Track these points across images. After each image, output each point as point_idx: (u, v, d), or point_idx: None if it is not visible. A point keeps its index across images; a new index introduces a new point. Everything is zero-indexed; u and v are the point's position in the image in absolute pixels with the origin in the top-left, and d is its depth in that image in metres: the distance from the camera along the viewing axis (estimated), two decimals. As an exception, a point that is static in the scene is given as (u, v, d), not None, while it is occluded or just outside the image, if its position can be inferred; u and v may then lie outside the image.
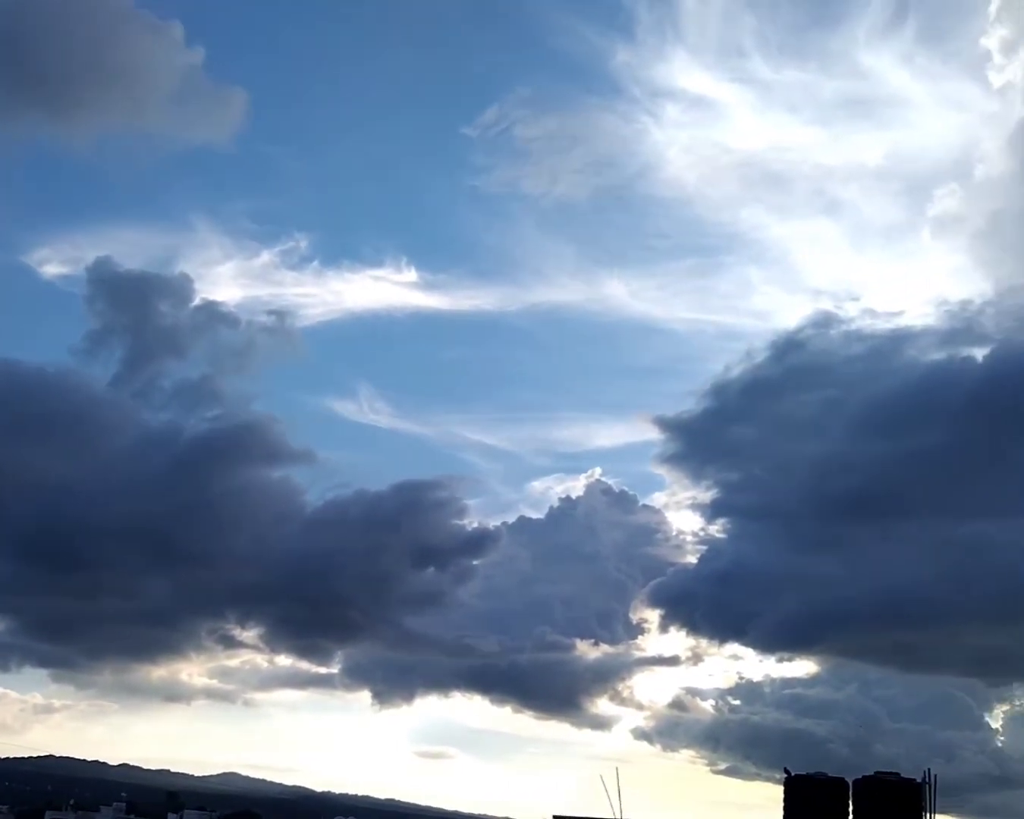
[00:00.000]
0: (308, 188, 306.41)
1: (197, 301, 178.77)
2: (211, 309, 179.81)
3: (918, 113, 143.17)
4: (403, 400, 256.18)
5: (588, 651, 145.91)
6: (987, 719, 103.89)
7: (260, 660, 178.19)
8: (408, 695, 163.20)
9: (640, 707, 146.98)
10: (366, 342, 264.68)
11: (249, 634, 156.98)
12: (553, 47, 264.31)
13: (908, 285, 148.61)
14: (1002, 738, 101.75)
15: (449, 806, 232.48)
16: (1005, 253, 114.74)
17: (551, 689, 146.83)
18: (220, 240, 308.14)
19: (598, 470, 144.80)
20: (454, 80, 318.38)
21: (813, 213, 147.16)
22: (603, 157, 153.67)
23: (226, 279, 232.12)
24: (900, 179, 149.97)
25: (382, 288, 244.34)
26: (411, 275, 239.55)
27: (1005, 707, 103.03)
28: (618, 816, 57.59)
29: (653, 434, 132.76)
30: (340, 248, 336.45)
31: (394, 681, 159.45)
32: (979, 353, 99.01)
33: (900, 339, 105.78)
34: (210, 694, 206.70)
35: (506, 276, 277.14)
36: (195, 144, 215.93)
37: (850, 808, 51.41)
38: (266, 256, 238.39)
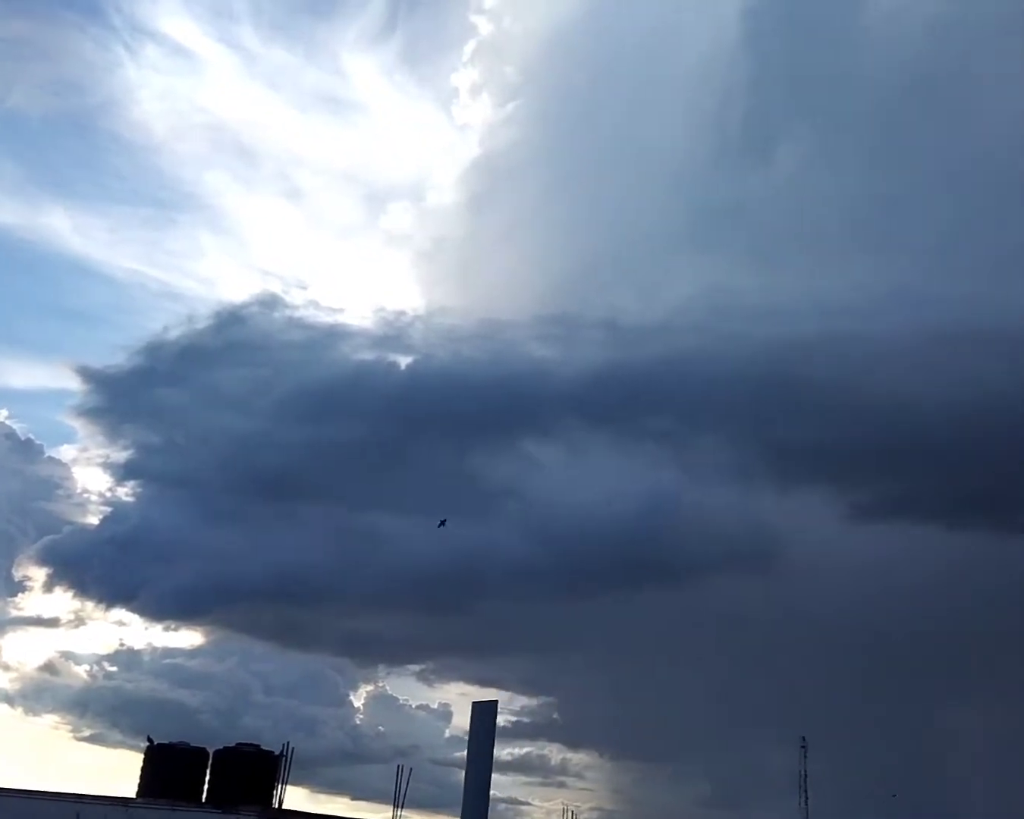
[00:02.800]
0: None
1: None
2: None
3: (387, 128, 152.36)
4: None
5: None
6: (351, 698, 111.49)
7: None
8: None
9: (7, 668, 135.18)
10: None
11: None
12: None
13: (353, 286, 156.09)
14: (361, 716, 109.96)
15: None
16: (441, 276, 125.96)
17: None
18: None
19: (4, 412, 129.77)
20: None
21: (276, 195, 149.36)
22: (68, 79, 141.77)
23: None
24: (362, 185, 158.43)
25: None
26: None
27: (369, 687, 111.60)
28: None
29: (74, 383, 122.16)
30: None
31: None
32: (403, 361, 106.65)
33: (337, 335, 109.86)
34: None
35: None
36: None
37: (207, 777, 51.83)
38: None
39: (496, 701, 18.07)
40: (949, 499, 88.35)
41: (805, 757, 72.95)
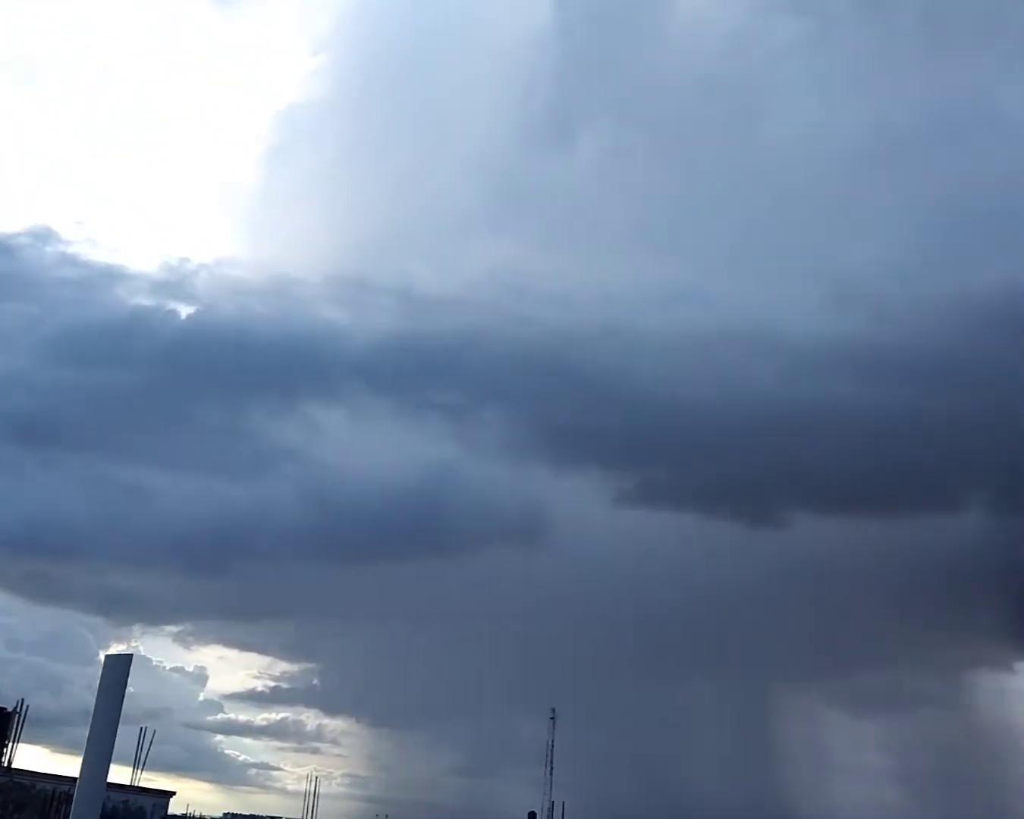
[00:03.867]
0: None
1: None
2: None
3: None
4: None
5: None
6: (101, 657, 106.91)
7: None
8: None
9: None
10: None
11: None
12: None
13: (135, 226, 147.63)
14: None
15: None
16: (232, 226, 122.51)
17: None
18: None
19: None
20: None
21: (57, 123, 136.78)
22: None
23: None
24: (155, 124, 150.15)
25: None
26: None
27: (121, 647, 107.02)
28: None
29: None
30: None
31: None
32: (185, 310, 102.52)
33: (114, 276, 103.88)
34: None
35: None
36: None
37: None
38: None
39: (131, 655, 17.33)
40: (707, 490, 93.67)
41: (554, 728, 75.70)
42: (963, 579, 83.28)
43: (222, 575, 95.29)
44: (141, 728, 54.14)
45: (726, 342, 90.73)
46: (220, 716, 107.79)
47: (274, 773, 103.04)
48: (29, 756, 52.66)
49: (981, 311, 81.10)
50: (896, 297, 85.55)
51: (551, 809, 71.94)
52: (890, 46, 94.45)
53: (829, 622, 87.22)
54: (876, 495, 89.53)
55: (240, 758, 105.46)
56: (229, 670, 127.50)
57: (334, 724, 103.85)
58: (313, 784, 66.68)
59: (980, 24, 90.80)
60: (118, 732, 17.09)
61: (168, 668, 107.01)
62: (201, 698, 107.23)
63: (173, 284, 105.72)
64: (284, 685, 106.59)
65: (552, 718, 75.70)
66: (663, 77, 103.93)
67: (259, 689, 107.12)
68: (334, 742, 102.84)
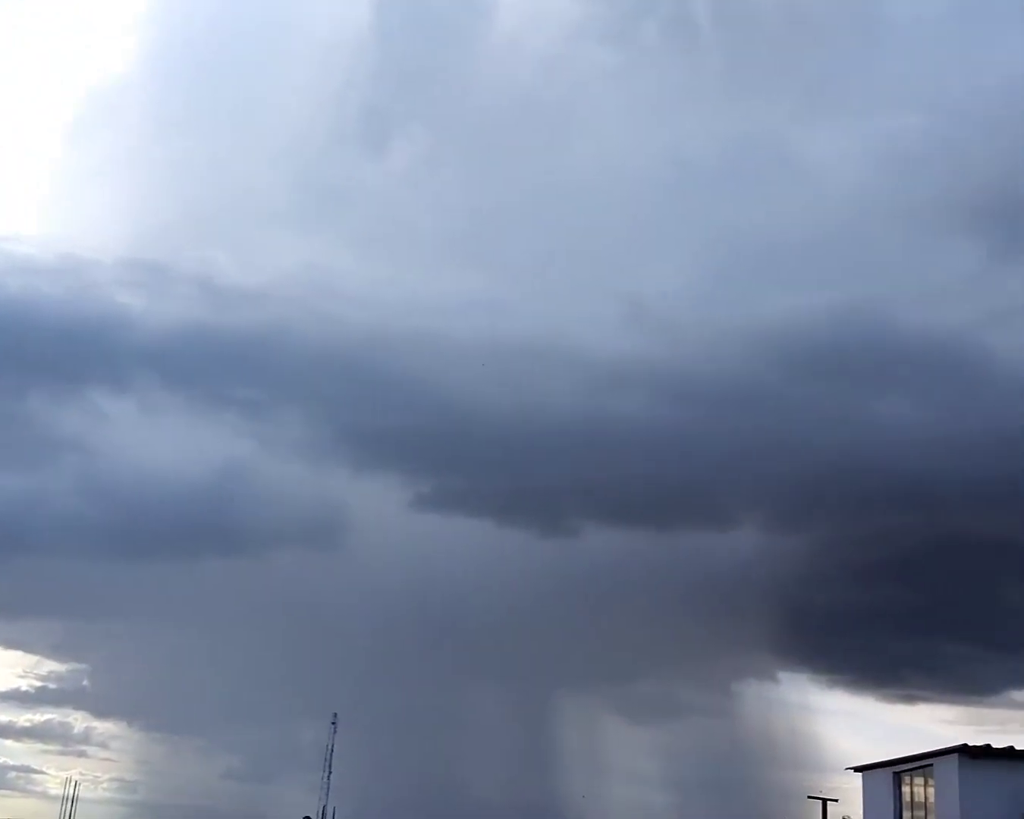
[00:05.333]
0: None
1: None
2: None
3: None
4: None
5: None
6: None
7: None
8: None
9: None
10: None
11: None
12: None
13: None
14: None
15: None
16: (22, 201, 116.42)
17: None
18: None
19: None
20: None
21: None
22: None
23: None
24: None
25: None
26: None
27: None
28: None
29: None
30: None
31: None
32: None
33: None
34: None
35: None
36: None
37: None
38: None
39: None
40: (501, 497, 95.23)
41: (335, 733, 74.86)
42: (734, 593, 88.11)
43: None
44: None
45: (526, 354, 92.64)
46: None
47: (36, 776, 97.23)
48: None
49: (764, 341, 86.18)
50: (688, 322, 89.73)
51: (322, 813, 71.16)
52: (694, 82, 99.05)
53: (612, 630, 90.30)
54: (661, 510, 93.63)
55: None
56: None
57: (104, 727, 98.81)
58: (72, 788, 63.33)
59: (778, 68, 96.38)
60: None
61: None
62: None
63: None
64: (51, 685, 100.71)
65: (334, 723, 74.88)
66: (478, 92, 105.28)
67: (23, 689, 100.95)
68: (103, 745, 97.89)
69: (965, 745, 31.20)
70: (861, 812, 37.31)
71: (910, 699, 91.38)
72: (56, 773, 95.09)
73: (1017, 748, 31.63)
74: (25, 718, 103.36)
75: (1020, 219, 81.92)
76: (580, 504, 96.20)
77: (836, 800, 40.15)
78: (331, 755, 73.50)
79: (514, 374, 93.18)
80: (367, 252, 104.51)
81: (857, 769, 37.47)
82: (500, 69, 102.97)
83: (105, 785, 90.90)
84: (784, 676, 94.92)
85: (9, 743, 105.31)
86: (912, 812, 33.82)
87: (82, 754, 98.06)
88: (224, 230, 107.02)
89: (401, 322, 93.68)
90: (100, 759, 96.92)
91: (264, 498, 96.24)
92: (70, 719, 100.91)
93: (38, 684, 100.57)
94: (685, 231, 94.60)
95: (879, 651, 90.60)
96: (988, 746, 31.36)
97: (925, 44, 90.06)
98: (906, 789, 34.33)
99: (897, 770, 34.72)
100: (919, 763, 33.37)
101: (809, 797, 41.27)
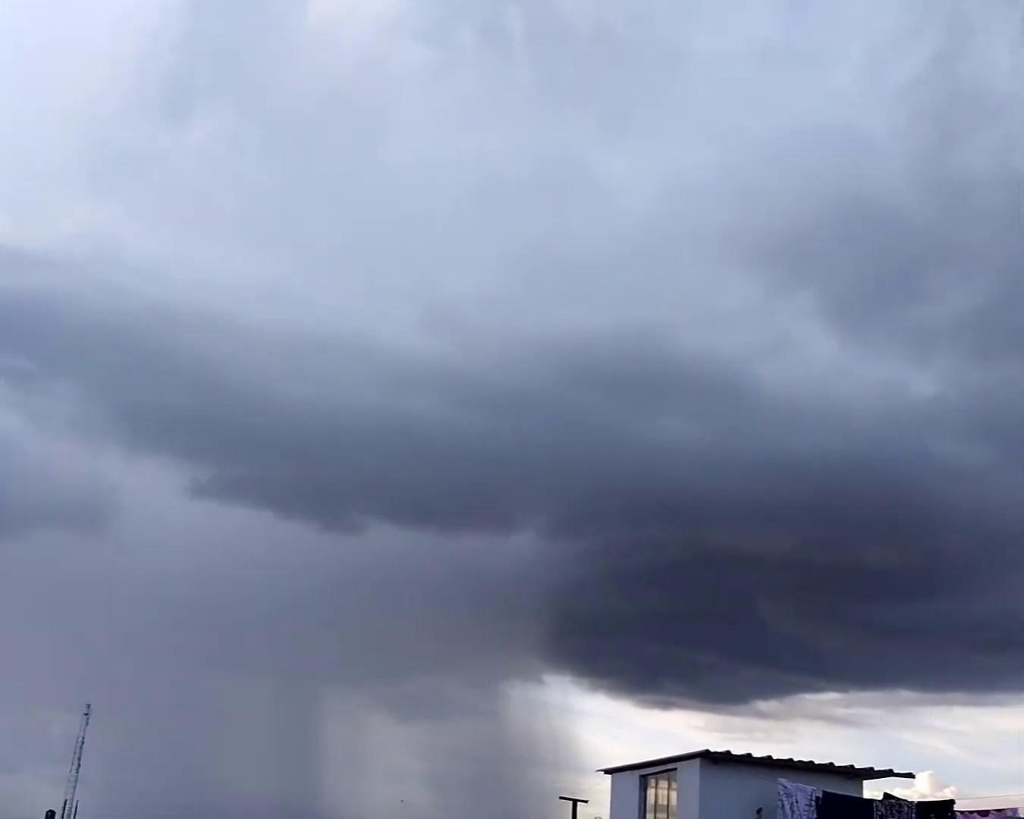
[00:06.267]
0: None
1: None
2: None
3: None
4: None
5: None
6: None
7: None
8: None
9: None
10: None
11: None
12: None
13: None
14: None
15: None
16: None
17: None
18: None
19: None
20: None
21: None
22: None
23: None
24: None
25: None
26: None
27: None
28: None
29: None
30: None
31: None
32: None
33: None
34: None
35: None
36: None
37: None
38: None
39: None
40: (285, 489, 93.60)
41: (87, 724, 71.35)
42: (510, 596, 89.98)
43: None
44: None
45: (321, 346, 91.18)
46: None
47: None
48: None
49: (555, 353, 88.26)
50: (484, 328, 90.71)
51: (65, 806, 67.61)
52: (506, 91, 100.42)
53: (386, 629, 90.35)
54: (446, 511, 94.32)
55: None
56: None
57: None
58: None
59: (585, 87, 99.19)
60: None
61: None
62: None
63: None
64: None
65: (86, 714, 71.30)
66: (289, 76, 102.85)
67: None
68: None
69: (707, 750, 32.72)
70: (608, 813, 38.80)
71: (666, 705, 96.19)
72: None
73: (755, 755, 33.47)
74: None
75: (797, 259, 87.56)
76: (366, 501, 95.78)
77: (586, 801, 41.57)
78: (81, 747, 70.00)
79: (306, 365, 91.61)
80: (159, 224, 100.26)
81: (607, 771, 38.98)
82: (314, 55, 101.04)
83: None
84: (550, 678, 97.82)
85: None
86: (655, 814, 35.48)
87: None
88: (4, 191, 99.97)
89: (191, 300, 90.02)
90: None
91: (30, 475, 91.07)
92: None
93: None
94: (488, 239, 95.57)
95: (639, 657, 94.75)
96: (728, 752, 33.02)
97: (726, 82, 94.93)
98: (651, 791, 35.97)
99: (644, 773, 36.33)
100: (664, 767, 35.03)
101: (560, 797, 42.51)
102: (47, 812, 67.23)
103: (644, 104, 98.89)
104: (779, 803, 31.19)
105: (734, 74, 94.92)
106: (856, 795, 33.70)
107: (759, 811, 31.85)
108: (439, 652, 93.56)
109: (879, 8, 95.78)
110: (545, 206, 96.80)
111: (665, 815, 34.68)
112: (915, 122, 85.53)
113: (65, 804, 68.03)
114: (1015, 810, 32.28)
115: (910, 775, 35.37)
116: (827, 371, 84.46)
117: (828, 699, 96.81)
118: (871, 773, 34.82)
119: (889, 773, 34.97)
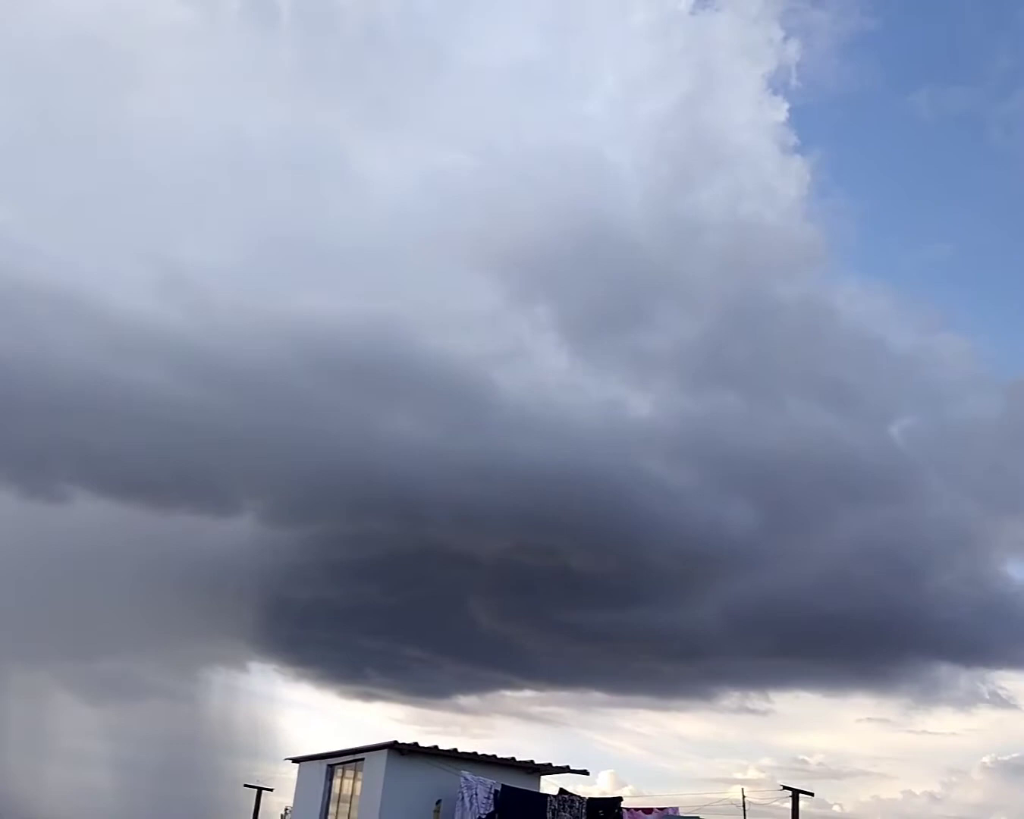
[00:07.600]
0: None
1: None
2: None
3: None
4: None
5: None
6: None
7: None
8: None
9: None
10: None
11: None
12: None
13: None
14: None
15: None
16: None
17: None
18: None
19: None
20: None
21: None
22: None
23: None
24: None
25: None
26: None
27: None
28: None
29: None
30: None
31: None
32: None
33: None
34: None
35: None
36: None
37: None
38: None
39: None
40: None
41: None
42: (221, 580, 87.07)
43: None
44: None
45: (41, 300, 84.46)
46: None
47: None
48: None
49: (296, 337, 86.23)
50: (224, 302, 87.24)
51: None
52: (268, 66, 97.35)
53: (83, 606, 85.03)
54: (162, 487, 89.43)
55: None
56: None
57: None
58: None
59: (348, 73, 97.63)
60: None
61: None
62: None
63: None
64: None
65: None
66: (33, 17, 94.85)
67: None
68: None
69: (395, 742, 33.20)
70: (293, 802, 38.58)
71: (369, 696, 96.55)
72: None
73: (441, 747, 34.34)
74: None
75: (537, 273, 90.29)
76: (75, 469, 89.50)
77: (271, 789, 41.16)
78: None
79: (23, 318, 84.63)
80: None
81: (295, 760, 38.73)
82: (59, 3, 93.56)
83: None
84: (255, 666, 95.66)
85: None
86: (339, 804, 35.61)
87: None
88: None
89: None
90: None
91: None
92: None
93: None
94: (235, 212, 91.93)
95: (347, 648, 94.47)
96: (416, 744, 33.65)
97: (484, 92, 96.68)
98: (337, 781, 36.07)
99: (332, 762, 36.38)
100: (352, 757, 35.23)
101: (245, 785, 41.85)
102: None
103: (406, 102, 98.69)
104: (460, 795, 32.16)
105: (492, 86, 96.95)
106: (534, 790, 35.27)
107: (438, 803, 32.67)
108: (140, 632, 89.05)
109: (636, 45, 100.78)
110: (297, 187, 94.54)
111: (348, 806, 34.87)
112: (656, 160, 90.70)
113: None
114: (675, 809, 35.04)
115: (585, 772, 37.27)
116: (556, 383, 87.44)
117: (526, 697, 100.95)
118: (549, 769, 36.52)
119: (566, 769, 36.79)
